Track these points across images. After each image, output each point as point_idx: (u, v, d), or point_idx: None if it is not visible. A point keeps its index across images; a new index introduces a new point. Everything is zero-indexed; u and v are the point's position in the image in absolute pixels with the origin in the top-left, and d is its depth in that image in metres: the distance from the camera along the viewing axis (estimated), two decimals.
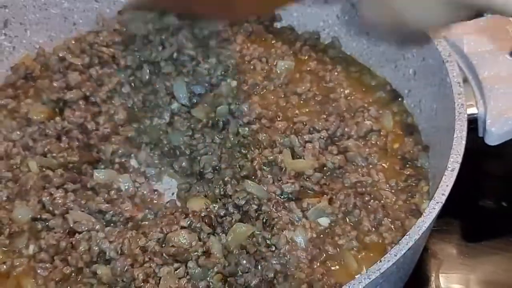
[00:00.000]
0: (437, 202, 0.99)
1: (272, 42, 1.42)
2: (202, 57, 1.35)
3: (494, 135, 1.16)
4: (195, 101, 1.30)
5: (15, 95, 1.31)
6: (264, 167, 1.19)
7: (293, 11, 1.44)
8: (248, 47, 1.39)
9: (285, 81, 1.33)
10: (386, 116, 1.25)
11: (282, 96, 1.30)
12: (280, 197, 1.15)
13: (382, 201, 1.14)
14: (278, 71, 1.34)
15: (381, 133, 1.23)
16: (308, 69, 1.35)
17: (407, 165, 1.19)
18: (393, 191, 1.16)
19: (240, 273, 1.06)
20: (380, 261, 0.93)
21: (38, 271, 1.08)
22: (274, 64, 1.36)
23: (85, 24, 1.43)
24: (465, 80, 1.19)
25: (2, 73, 1.36)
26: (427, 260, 1.21)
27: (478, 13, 1.26)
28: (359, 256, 1.09)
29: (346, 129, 1.23)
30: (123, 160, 1.22)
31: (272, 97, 1.30)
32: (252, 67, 1.35)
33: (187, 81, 1.31)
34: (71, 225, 1.11)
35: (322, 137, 1.21)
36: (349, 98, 1.29)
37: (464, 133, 1.06)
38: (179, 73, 1.33)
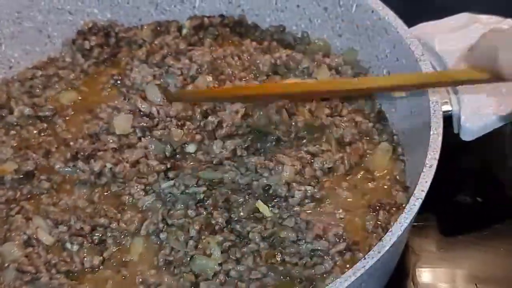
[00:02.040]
0: (417, 199, 1.01)
1: (240, 42, 1.44)
2: (173, 60, 1.36)
3: (469, 131, 1.18)
4: None
5: None
6: None
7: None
8: (217, 49, 1.40)
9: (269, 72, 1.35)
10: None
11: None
12: None
13: None
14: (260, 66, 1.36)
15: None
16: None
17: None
18: None
19: None
20: (365, 258, 0.95)
21: None
22: (247, 59, 1.37)
23: (60, 37, 1.43)
24: None
25: None
26: (407, 255, 1.23)
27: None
28: None
29: None
30: None
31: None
32: (226, 63, 1.36)
33: (159, 83, 1.32)
34: None
35: None
36: None
37: (440, 130, 1.08)
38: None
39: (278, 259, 1.10)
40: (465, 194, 1.32)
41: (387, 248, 0.95)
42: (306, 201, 1.15)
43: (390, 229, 0.98)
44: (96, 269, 1.11)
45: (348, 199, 1.17)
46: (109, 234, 1.14)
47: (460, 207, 1.31)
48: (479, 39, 1.00)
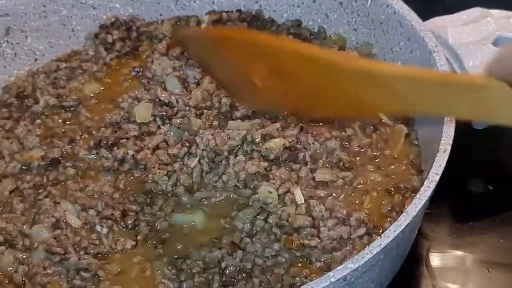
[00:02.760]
0: (431, 181, 1.05)
1: None
2: None
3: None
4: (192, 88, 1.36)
5: (10, 115, 1.36)
6: None
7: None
8: None
9: None
10: None
11: None
12: None
13: None
14: None
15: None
16: None
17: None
18: None
19: None
20: (381, 237, 0.99)
21: None
22: None
23: (83, 30, 1.48)
24: (452, 69, 1.24)
25: (4, 78, 1.40)
26: (420, 240, 1.27)
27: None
28: None
29: None
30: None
31: None
32: None
33: (178, 75, 1.37)
34: None
35: None
36: None
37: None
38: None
39: (296, 244, 1.13)
40: (476, 182, 1.36)
41: (402, 227, 0.99)
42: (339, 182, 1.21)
43: (405, 210, 1.01)
44: (128, 252, 1.15)
45: (376, 180, 1.22)
46: (141, 218, 1.19)
47: (471, 195, 1.35)
48: (500, 51, 1.02)
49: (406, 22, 1.28)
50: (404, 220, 1.00)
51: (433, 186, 1.04)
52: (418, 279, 1.23)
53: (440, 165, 1.06)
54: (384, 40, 1.36)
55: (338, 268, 0.96)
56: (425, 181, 1.05)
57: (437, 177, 1.05)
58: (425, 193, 1.03)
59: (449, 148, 1.08)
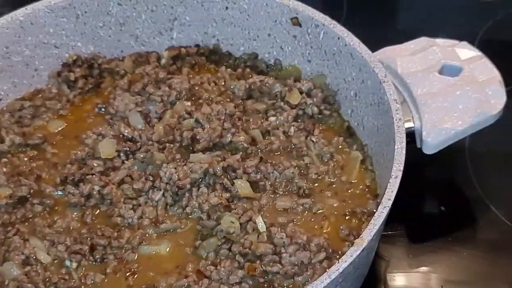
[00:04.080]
0: (385, 207, 1.11)
1: (216, 69, 1.54)
2: (154, 88, 1.46)
3: (430, 145, 1.28)
4: (154, 123, 1.41)
5: None
6: None
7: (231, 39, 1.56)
8: (194, 77, 1.50)
9: (244, 96, 1.45)
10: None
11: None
12: None
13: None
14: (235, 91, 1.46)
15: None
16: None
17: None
18: None
19: None
20: (338, 262, 1.04)
21: None
22: (222, 85, 1.48)
23: (46, 69, 1.51)
24: (402, 99, 1.30)
25: None
26: (378, 261, 1.33)
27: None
28: None
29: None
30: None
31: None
32: (203, 89, 1.47)
33: (140, 110, 1.42)
34: None
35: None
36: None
37: (404, 144, 1.18)
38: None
39: (259, 271, 1.18)
40: (430, 203, 1.43)
41: (358, 252, 1.05)
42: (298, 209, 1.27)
43: (361, 236, 1.07)
44: (97, 285, 1.19)
45: (334, 205, 1.28)
46: (109, 252, 1.23)
47: (425, 216, 1.41)
48: None
49: (357, 54, 1.35)
50: (360, 245, 1.05)
51: (386, 211, 1.10)
52: None
53: (392, 191, 1.12)
54: (337, 70, 1.42)
55: None
56: (379, 206, 1.11)
57: (390, 203, 1.11)
58: (379, 218, 1.09)
59: (400, 174, 1.14)
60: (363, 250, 1.05)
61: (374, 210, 1.25)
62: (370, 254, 1.22)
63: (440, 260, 1.35)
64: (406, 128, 1.24)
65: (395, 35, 1.52)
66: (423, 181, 1.44)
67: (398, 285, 1.32)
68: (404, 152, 1.17)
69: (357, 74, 1.37)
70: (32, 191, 1.32)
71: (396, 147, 1.18)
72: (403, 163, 1.16)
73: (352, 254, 1.04)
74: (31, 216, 1.29)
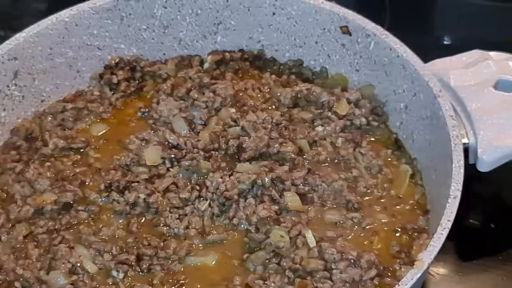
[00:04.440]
0: (444, 228, 1.09)
1: (260, 75, 1.52)
2: (198, 93, 1.44)
3: (486, 163, 1.26)
4: (199, 129, 1.39)
5: (20, 158, 1.37)
6: None
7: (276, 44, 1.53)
8: (238, 83, 1.48)
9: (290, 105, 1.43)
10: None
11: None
12: None
13: None
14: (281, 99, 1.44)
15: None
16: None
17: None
18: None
19: None
20: (399, 285, 1.02)
21: None
22: (267, 91, 1.46)
23: (88, 71, 1.49)
24: (455, 111, 1.28)
25: (12, 120, 1.41)
26: (426, 279, 1.30)
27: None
28: None
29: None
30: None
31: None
32: (248, 96, 1.44)
33: (184, 116, 1.40)
34: None
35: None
36: None
37: (462, 163, 1.16)
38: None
39: (310, 287, 1.16)
40: (479, 220, 1.40)
41: (419, 275, 1.02)
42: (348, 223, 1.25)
43: (421, 257, 1.05)
44: None
45: (383, 220, 1.26)
46: (155, 262, 1.20)
47: (475, 233, 1.39)
48: None
49: (409, 66, 1.33)
50: (420, 268, 1.03)
51: (445, 233, 1.08)
52: None
53: (451, 212, 1.10)
54: (387, 81, 1.40)
55: None
56: (438, 228, 1.08)
57: (450, 224, 1.09)
58: (438, 240, 1.07)
59: (459, 194, 1.12)
60: (424, 272, 1.03)
61: (425, 227, 1.24)
62: (425, 275, 1.19)
63: (489, 279, 1.33)
64: (463, 144, 1.22)
65: (442, 47, 1.48)
66: (472, 197, 1.39)
67: None
68: (462, 171, 1.15)
69: (408, 86, 1.34)
70: (76, 197, 1.30)
71: (453, 165, 1.16)
72: (461, 183, 1.14)
73: (412, 277, 1.03)
74: (75, 223, 1.27)
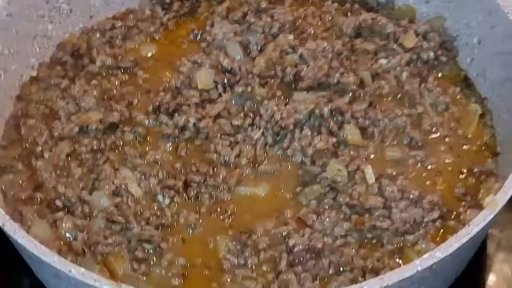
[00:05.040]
0: None
1: (321, 2, 1.42)
2: (254, 18, 1.35)
3: None
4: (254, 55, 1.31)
5: (66, 74, 1.31)
6: None
7: None
8: (297, 9, 1.39)
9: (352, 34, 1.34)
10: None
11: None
12: None
13: None
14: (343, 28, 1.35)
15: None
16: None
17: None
18: None
19: None
20: (469, 225, 0.94)
21: None
22: (328, 20, 1.37)
23: None
24: None
25: (59, 35, 1.34)
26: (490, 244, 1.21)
27: None
28: None
29: None
30: None
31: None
32: (308, 23, 1.36)
33: (240, 40, 1.32)
34: None
35: None
36: None
37: None
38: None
39: (367, 225, 1.08)
40: None
41: (492, 216, 0.94)
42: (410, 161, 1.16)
43: (495, 198, 0.96)
44: (192, 226, 1.11)
45: (448, 161, 1.17)
46: (203, 190, 1.14)
47: None
48: None
49: None
50: (494, 208, 0.95)
51: None
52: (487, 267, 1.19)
53: None
54: (460, 13, 1.30)
55: (424, 257, 0.91)
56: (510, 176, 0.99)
57: None
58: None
59: None
60: (496, 214, 0.95)
61: (494, 171, 1.15)
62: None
63: None
64: None
65: None
66: None
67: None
68: None
69: (484, 19, 1.24)
70: (122, 117, 1.23)
71: None
72: None
73: (485, 218, 0.94)
74: (121, 144, 1.21)
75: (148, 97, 1.27)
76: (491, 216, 0.94)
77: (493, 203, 0.96)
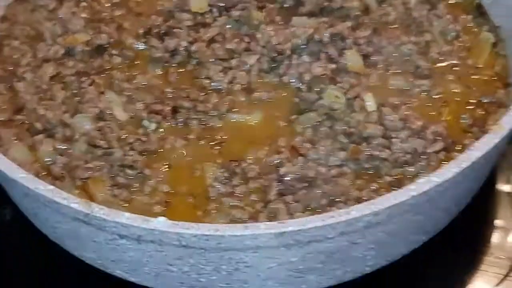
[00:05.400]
0: None
1: None
2: None
3: None
4: None
5: None
6: None
7: None
8: None
9: None
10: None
11: None
12: None
13: None
14: None
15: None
16: None
17: None
18: None
19: None
20: (470, 150, 0.87)
21: None
22: None
23: None
24: None
25: None
26: (500, 164, 1.14)
27: None
28: None
29: None
30: None
31: None
32: None
33: None
34: None
35: None
36: None
37: None
38: None
39: (364, 154, 1.01)
40: None
41: (496, 141, 0.87)
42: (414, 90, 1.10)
43: (498, 123, 0.89)
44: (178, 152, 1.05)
45: (456, 91, 1.10)
46: (193, 116, 1.07)
47: None
48: None
49: None
50: (498, 132, 0.88)
51: None
52: (496, 205, 1.11)
53: None
54: None
55: (420, 181, 0.84)
56: None
57: None
58: None
59: None
60: (501, 139, 0.87)
61: (504, 102, 1.07)
62: (501, 150, 1.03)
63: None
64: None
65: None
66: None
67: None
68: None
69: None
70: (112, 40, 1.18)
71: None
72: None
73: (488, 142, 0.86)
74: (108, 67, 1.14)
75: (139, 20, 1.21)
76: (496, 141, 0.87)
77: (498, 127, 0.88)
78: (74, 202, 0.83)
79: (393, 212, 0.83)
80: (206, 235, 0.81)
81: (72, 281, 1.06)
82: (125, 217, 0.82)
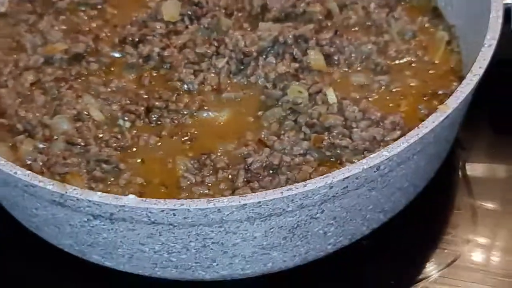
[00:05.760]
0: (474, 75, 0.99)
1: None
2: None
3: None
4: None
5: (34, 10, 1.31)
6: None
7: None
8: None
9: None
10: None
11: None
12: None
13: None
14: None
15: None
16: None
17: None
18: None
19: None
20: (418, 127, 0.93)
21: None
22: None
23: None
24: None
25: None
26: (457, 150, 1.21)
27: None
28: None
29: None
30: None
31: None
32: None
33: None
34: None
35: None
36: None
37: (500, 13, 1.06)
38: None
39: (326, 143, 1.07)
40: None
41: (441, 119, 0.93)
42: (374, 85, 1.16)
43: (445, 102, 0.95)
44: (151, 148, 1.11)
45: (413, 84, 1.16)
46: (165, 115, 1.14)
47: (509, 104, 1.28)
48: None
49: None
50: (444, 111, 0.94)
51: (476, 79, 0.98)
52: (453, 189, 1.17)
53: (484, 60, 1.00)
54: None
55: (371, 155, 0.90)
56: (467, 74, 0.99)
57: (481, 71, 0.99)
58: (467, 86, 0.97)
59: (494, 43, 1.02)
60: (446, 117, 0.93)
61: None
62: (452, 130, 1.09)
63: None
64: (504, 4, 1.10)
65: None
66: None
67: (476, 176, 1.19)
68: (500, 21, 1.05)
69: None
70: (88, 49, 1.24)
71: (491, 15, 1.06)
72: (498, 32, 1.03)
73: (434, 120, 0.93)
74: (86, 74, 1.21)
75: (115, 31, 1.27)
76: (441, 118, 0.93)
77: (444, 107, 0.95)
78: (49, 184, 0.89)
79: (347, 185, 0.89)
80: (173, 209, 0.86)
81: (53, 272, 1.11)
82: (98, 196, 0.88)
